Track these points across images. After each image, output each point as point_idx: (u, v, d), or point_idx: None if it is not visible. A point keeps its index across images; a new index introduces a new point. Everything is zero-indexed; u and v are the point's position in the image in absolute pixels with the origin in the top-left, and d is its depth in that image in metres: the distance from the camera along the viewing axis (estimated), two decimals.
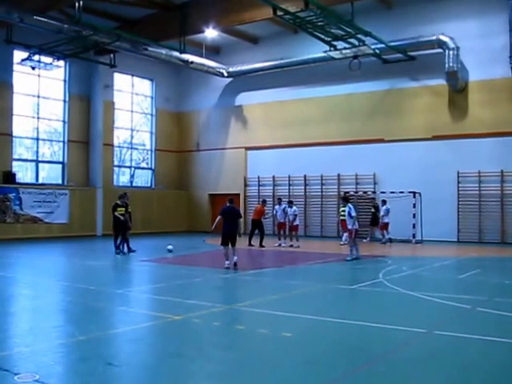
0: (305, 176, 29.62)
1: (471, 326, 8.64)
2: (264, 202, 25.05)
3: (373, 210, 25.46)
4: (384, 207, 24.64)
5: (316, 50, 25.66)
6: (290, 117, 30.09)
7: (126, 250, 19.37)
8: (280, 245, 23.03)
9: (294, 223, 23.08)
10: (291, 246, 22.75)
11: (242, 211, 31.61)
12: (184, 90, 34.49)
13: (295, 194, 29.59)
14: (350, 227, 17.43)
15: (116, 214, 18.87)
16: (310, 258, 19.52)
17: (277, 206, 23.80)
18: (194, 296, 11.17)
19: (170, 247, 20.03)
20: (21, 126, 27.57)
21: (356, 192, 27.75)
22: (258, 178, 31.35)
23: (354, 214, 17.41)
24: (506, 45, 22.87)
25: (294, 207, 23.52)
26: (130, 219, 19.96)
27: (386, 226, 24.52)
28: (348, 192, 27.33)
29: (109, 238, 24.58)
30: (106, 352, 7.14)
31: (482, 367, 6.55)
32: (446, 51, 24.47)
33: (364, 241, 24.62)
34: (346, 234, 21.91)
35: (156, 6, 25.62)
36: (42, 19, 22.07)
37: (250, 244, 22.91)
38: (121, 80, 31.92)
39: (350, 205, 17.73)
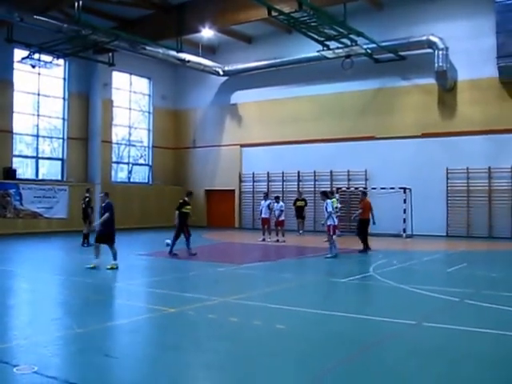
0: (298, 172, 29.60)
1: (459, 318, 8.64)
2: (365, 193, 20.08)
3: (302, 204, 26.18)
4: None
5: (309, 49, 25.59)
6: (283, 115, 30.05)
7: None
8: (264, 240, 22.90)
9: (280, 218, 23.11)
10: (277, 240, 22.54)
11: (237, 206, 32.04)
12: (181, 88, 34.41)
13: (289, 190, 29.58)
14: (328, 223, 16.93)
15: (184, 210, 17.51)
16: (303, 252, 19.53)
17: (262, 202, 23.83)
18: (190, 289, 11.15)
19: (167, 241, 20.00)
20: (21, 123, 27.41)
21: (348, 188, 27.77)
22: (253, 174, 31.32)
23: (329, 209, 16.82)
24: (493, 45, 22.88)
25: (281, 202, 23.66)
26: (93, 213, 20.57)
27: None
28: (340, 188, 27.37)
29: None
30: (104, 344, 7.11)
31: (469, 357, 6.57)
32: (436, 51, 24.48)
33: (299, 233, 25.85)
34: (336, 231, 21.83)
35: (153, 6, 25.50)
36: (42, 19, 21.98)
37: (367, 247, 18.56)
38: (119, 78, 31.78)
39: (328, 200, 17.08)
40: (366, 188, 27.03)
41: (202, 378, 6.02)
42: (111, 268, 13.76)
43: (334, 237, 16.92)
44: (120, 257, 16.40)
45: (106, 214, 14.09)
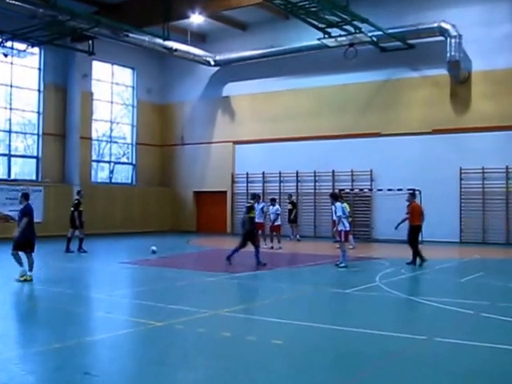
0: (297, 172, 29.60)
1: (474, 333, 8.65)
2: (414, 195, 18.54)
3: (290, 207, 26.33)
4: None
5: (309, 37, 25.59)
6: (280, 109, 30.04)
7: None
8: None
9: (276, 223, 22.92)
10: (272, 247, 22.36)
11: (229, 210, 32.01)
12: (168, 79, 34.38)
13: (286, 192, 29.54)
14: (339, 228, 16.73)
15: (251, 215, 17.29)
16: (302, 259, 19.54)
17: (255, 205, 23.67)
18: (177, 301, 11.13)
19: (153, 248, 20.08)
20: None
21: (352, 189, 27.77)
22: (247, 174, 31.30)
23: (339, 213, 16.69)
24: (510, 33, 22.93)
25: (277, 206, 23.38)
26: (81, 217, 20.46)
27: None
28: (343, 189, 27.31)
29: (89, 238, 24.44)
30: (83, 360, 7.08)
31: (484, 376, 6.55)
32: (448, 39, 24.48)
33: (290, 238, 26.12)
34: (350, 237, 21.57)
35: None
36: (15, 3, 21.89)
37: (422, 258, 17.01)
38: (100, 69, 31.74)
39: (337, 204, 16.94)
40: (371, 189, 27.09)
41: None
42: (24, 280, 13.03)
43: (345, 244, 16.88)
44: (101, 265, 16.37)
45: (25, 219, 13.59)
